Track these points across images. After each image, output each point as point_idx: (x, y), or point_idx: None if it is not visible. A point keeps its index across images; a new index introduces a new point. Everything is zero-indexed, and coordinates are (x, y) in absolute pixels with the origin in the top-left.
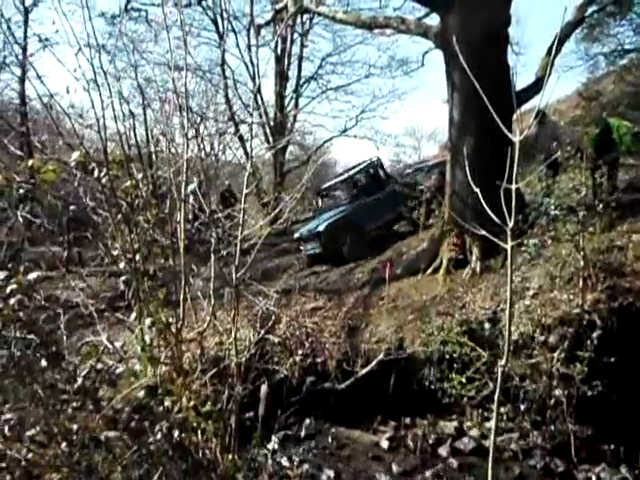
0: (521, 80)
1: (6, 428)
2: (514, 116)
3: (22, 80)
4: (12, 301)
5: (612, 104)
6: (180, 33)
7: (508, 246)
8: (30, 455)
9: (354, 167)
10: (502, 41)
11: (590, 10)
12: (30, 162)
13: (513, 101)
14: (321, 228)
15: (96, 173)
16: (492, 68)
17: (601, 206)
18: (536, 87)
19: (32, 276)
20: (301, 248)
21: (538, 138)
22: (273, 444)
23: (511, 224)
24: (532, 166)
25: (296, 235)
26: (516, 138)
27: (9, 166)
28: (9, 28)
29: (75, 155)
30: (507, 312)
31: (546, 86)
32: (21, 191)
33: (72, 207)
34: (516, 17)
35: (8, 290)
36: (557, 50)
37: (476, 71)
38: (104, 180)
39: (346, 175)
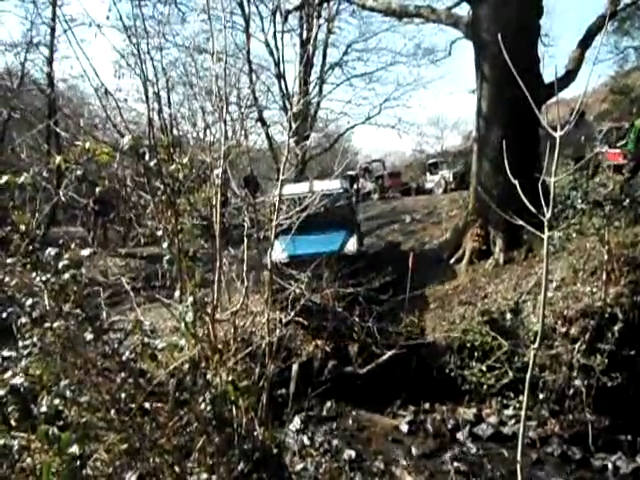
0: (548, 72)
1: (67, 392)
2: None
3: (50, 61)
4: (66, 276)
5: None
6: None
7: (545, 236)
8: (86, 418)
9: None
10: (533, 33)
11: (623, 3)
12: (87, 145)
13: (542, 93)
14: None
15: (147, 157)
16: (522, 60)
17: (628, 200)
18: (566, 80)
19: (85, 252)
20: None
21: (569, 134)
22: (297, 423)
23: (548, 215)
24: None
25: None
26: (557, 133)
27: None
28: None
29: (127, 139)
30: (542, 297)
31: (587, 85)
32: (78, 172)
33: (98, 189)
34: (547, 8)
35: (60, 265)
36: (589, 43)
37: (506, 62)
38: (152, 163)
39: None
